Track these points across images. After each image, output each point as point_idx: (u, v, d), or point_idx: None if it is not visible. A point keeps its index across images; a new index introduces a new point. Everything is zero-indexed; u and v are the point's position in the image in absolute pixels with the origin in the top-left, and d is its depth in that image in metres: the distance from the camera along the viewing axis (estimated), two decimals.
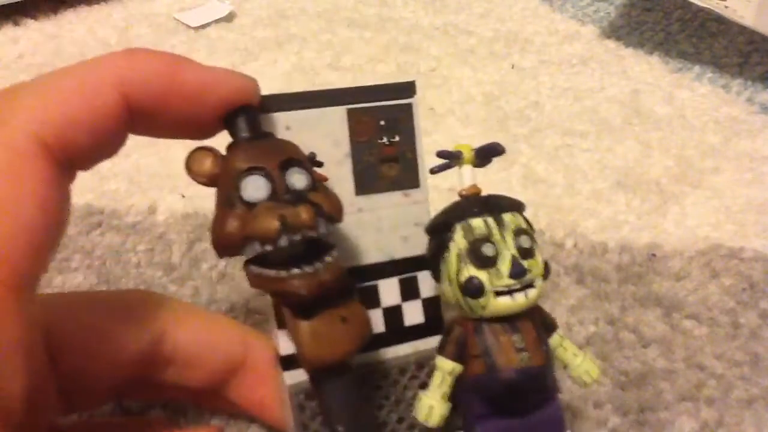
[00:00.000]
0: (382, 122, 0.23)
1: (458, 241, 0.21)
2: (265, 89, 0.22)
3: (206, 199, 0.37)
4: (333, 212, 0.20)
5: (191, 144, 0.21)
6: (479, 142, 0.24)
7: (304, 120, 0.22)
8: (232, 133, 0.21)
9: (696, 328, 0.32)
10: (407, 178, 0.24)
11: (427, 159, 0.24)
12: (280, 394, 0.23)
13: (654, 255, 0.36)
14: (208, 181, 0.20)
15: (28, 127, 0.18)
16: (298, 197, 0.19)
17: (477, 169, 0.24)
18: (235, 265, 0.34)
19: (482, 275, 0.21)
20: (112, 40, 0.54)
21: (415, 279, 0.24)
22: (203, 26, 0.56)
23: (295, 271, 0.19)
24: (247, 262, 0.20)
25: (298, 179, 0.20)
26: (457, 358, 0.21)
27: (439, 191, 0.35)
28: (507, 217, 0.22)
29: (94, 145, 0.19)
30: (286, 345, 0.22)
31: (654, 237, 0.37)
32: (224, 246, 0.20)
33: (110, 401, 0.27)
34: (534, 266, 0.21)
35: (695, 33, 0.58)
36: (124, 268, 0.34)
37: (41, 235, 0.18)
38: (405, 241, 0.24)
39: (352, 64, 0.51)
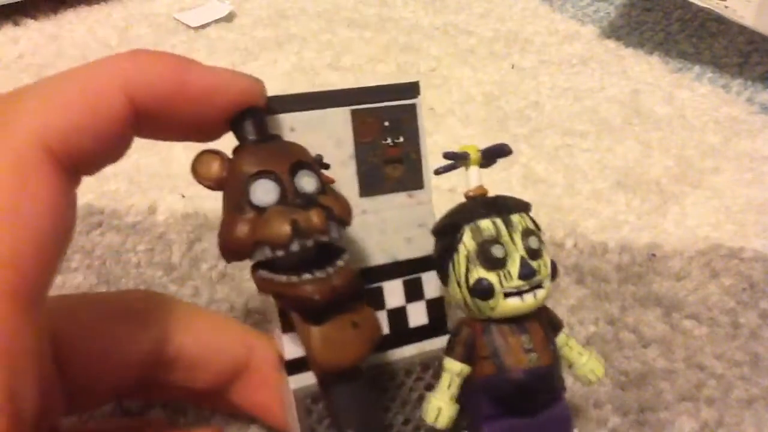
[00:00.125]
0: (386, 123, 0.23)
1: (467, 243, 0.21)
2: (266, 90, 0.22)
3: (206, 199, 0.37)
4: (344, 215, 0.20)
5: (193, 144, 0.21)
6: (479, 141, 0.24)
7: (308, 121, 0.22)
8: (239, 136, 0.20)
9: (696, 328, 0.32)
10: (411, 179, 0.24)
11: (430, 159, 0.24)
12: (283, 397, 0.23)
13: (654, 255, 0.36)
14: (215, 185, 0.20)
15: (33, 133, 0.17)
16: (309, 201, 0.19)
17: (481, 170, 0.24)
18: (235, 266, 0.34)
19: (491, 277, 0.21)
20: (112, 41, 0.54)
21: (419, 280, 0.24)
22: (203, 26, 0.56)
23: (307, 276, 0.19)
24: (256, 267, 0.20)
25: (307, 182, 0.20)
26: (465, 359, 0.21)
27: (440, 192, 0.35)
28: (515, 218, 0.22)
29: (99, 150, 0.19)
30: (291, 349, 0.21)
31: (654, 237, 0.37)
32: (233, 251, 0.19)
33: (112, 401, 0.27)
34: (542, 267, 0.22)
35: (695, 33, 0.58)
36: (124, 268, 0.34)
37: (49, 243, 0.17)
38: (409, 243, 0.24)
39: (352, 64, 0.51)
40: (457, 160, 0.23)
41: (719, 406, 0.28)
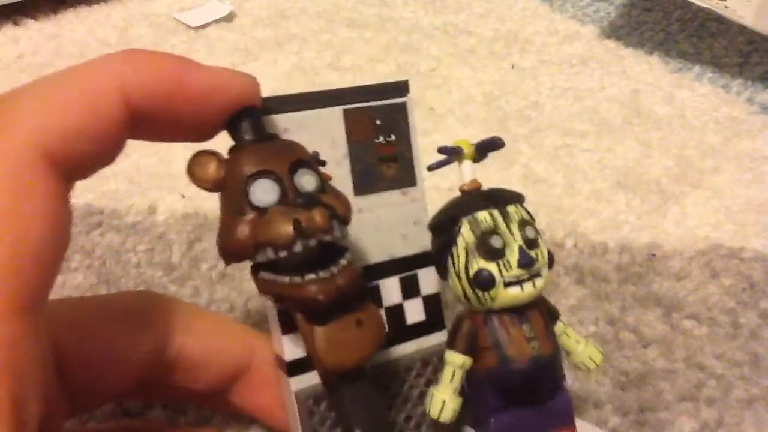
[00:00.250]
0: (378, 122, 0.23)
1: (465, 235, 0.21)
2: (265, 89, 0.22)
3: (206, 199, 0.37)
4: (345, 214, 0.20)
5: (193, 144, 0.21)
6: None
7: (301, 122, 0.22)
8: (236, 136, 0.20)
9: (696, 328, 0.32)
10: (404, 176, 0.24)
11: (425, 158, 0.24)
12: (284, 398, 0.23)
13: (654, 255, 0.36)
14: (213, 187, 0.20)
15: (32, 135, 0.17)
16: (311, 200, 0.19)
17: (476, 168, 0.24)
18: (235, 266, 0.34)
19: (492, 267, 0.21)
20: (112, 40, 0.54)
21: (415, 277, 0.24)
22: (203, 26, 0.56)
23: (311, 276, 0.19)
24: (256, 268, 0.20)
25: (307, 181, 0.19)
26: (467, 351, 0.22)
27: (440, 191, 0.35)
28: (511, 209, 0.22)
29: (95, 153, 0.19)
30: (291, 350, 0.21)
31: (654, 237, 0.37)
32: (233, 253, 0.19)
33: (113, 402, 0.27)
34: (540, 256, 0.22)
35: (695, 33, 0.58)
36: (124, 268, 0.34)
37: (49, 247, 0.17)
38: (404, 240, 0.24)
39: (352, 64, 0.51)
40: (451, 155, 0.23)
41: (719, 406, 0.28)
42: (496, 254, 0.21)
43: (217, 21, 0.56)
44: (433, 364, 0.24)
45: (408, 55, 0.53)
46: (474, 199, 0.22)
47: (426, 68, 0.52)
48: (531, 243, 0.22)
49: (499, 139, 0.23)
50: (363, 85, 0.23)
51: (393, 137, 0.24)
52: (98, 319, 0.23)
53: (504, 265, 0.21)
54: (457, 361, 0.21)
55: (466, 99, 0.49)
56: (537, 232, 0.22)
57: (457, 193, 0.23)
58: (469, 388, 0.22)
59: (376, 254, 0.24)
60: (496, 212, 0.22)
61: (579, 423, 0.23)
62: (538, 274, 0.22)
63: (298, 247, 0.18)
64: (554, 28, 0.58)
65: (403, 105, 0.24)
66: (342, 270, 0.19)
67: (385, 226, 0.24)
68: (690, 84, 0.51)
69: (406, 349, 0.24)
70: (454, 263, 0.22)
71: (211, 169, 0.19)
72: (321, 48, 0.53)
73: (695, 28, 0.58)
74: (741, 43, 0.56)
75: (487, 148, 0.23)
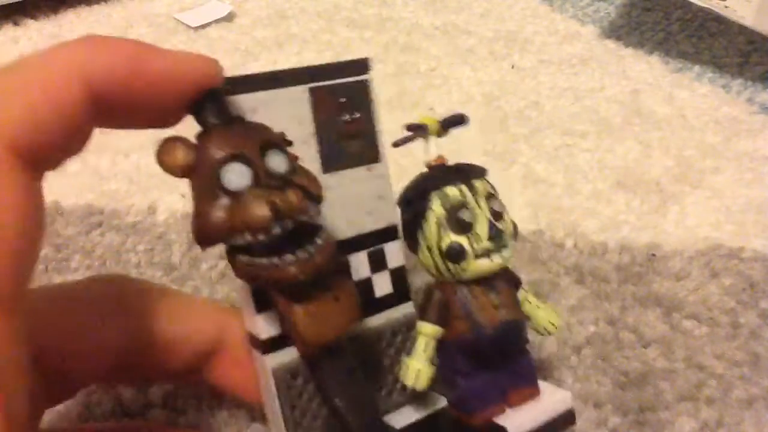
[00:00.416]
0: (343, 99, 0.24)
1: (436, 210, 0.23)
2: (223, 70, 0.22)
3: None
4: (318, 192, 0.20)
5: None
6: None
7: (267, 101, 0.22)
8: (201, 121, 0.20)
9: (696, 328, 0.32)
10: (369, 153, 0.24)
11: (390, 136, 0.25)
12: (258, 374, 0.23)
13: (654, 255, 0.36)
14: (181, 173, 0.19)
15: None
16: (284, 181, 0.19)
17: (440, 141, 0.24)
18: None
19: (462, 240, 0.22)
20: None
21: (382, 251, 0.24)
22: (203, 26, 0.56)
23: (290, 257, 0.19)
24: (233, 252, 0.20)
25: (278, 162, 0.20)
26: (439, 321, 0.23)
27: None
28: (478, 183, 0.23)
29: (61, 143, 0.18)
30: (266, 328, 0.21)
31: (654, 237, 0.37)
32: (209, 237, 0.19)
33: (87, 387, 0.27)
34: (506, 227, 0.23)
35: (695, 33, 0.58)
36: (124, 268, 0.34)
37: (24, 244, 0.17)
38: (370, 215, 0.24)
39: None
40: (417, 131, 0.24)
41: (719, 406, 0.28)
42: (466, 227, 0.22)
43: (217, 21, 0.57)
44: (402, 334, 0.24)
45: (408, 55, 0.53)
46: (442, 174, 0.23)
47: (426, 68, 0.52)
48: (497, 215, 0.23)
49: (464, 116, 0.24)
50: (326, 64, 0.23)
51: (357, 114, 0.24)
52: (68, 308, 0.22)
53: (474, 238, 0.22)
54: (429, 331, 0.22)
55: (466, 99, 0.49)
56: (501, 204, 0.23)
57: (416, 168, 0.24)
58: (438, 355, 0.23)
59: (344, 230, 0.24)
60: (464, 187, 0.23)
61: (541, 384, 0.24)
62: (505, 245, 0.23)
63: (276, 229, 0.19)
64: (554, 28, 0.58)
65: (366, 82, 0.24)
66: (319, 248, 0.20)
67: (351, 202, 0.24)
68: (690, 84, 0.51)
69: (376, 320, 0.24)
70: (425, 237, 0.23)
71: (180, 155, 0.19)
72: (321, 48, 0.53)
73: (695, 28, 0.58)
74: (741, 43, 0.56)
75: (452, 123, 0.24)
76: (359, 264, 0.24)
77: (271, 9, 0.59)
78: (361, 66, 0.24)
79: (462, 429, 0.23)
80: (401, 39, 0.55)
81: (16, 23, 0.55)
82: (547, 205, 0.39)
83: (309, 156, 0.23)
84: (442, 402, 0.24)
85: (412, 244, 0.23)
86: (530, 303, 0.24)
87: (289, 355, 0.22)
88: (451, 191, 0.23)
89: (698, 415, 0.28)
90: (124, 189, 0.39)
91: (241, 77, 0.21)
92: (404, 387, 0.22)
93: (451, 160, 0.25)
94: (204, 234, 0.19)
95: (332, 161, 0.23)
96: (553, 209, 0.39)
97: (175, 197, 0.38)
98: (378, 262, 0.24)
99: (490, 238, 0.22)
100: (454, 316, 0.23)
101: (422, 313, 0.23)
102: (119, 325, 0.23)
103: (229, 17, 0.57)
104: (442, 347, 0.23)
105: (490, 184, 0.24)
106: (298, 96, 0.23)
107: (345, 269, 0.23)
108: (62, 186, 0.39)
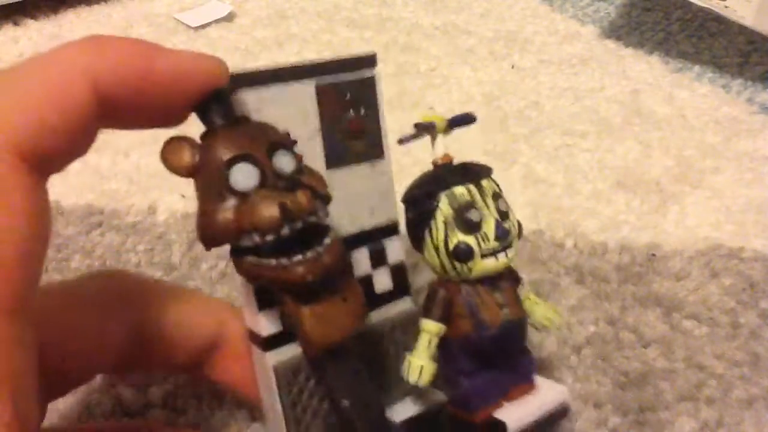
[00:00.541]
0: (348, 96, 0.23)
1: (444, 210, 0.23)
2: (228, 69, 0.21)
3: None
4: (326, 192, 0.20)
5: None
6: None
7: (273, 97, 0.22)
8: (207, 121, 0.20)
9: (696, 328, 0.32)
10: (373, 149, 0.24)
11: (390, 136, 0.25)
12: (256, 371, 0.23)
13: (654, 255, 0.36)
14: (188, 173, 0.19)
15: (3, 135, 0.17)
16: (293, 182, 0.19)
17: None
18: None
19: (470, 240, 0.22)
20: None
21: (382, 247, 0.24)
22: (203, 26, 0.56)
23: (298, 257, 0.19)
24: (239, 253, 0.20)
25: (285, 163, 0.19)
26: (442, 319, 0.23)
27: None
28: (485, 183, 0.23)
29: (67, 146, 0.18)
30: (268, 326, 0.21)
31: (654, 237, 0.37)
32: (215, 238, 0.19)
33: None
34: (512, 227, 0.23)
35: (695, 33, 0.58)
36: (124, 268, 0.34)
37: (32, 249, 0.17)
38: (372, 211, 0.24)
39: None
40: (425, 130, 0.24)
41: (719, 406, 0.28)
42: (473, 227, 0.22)
43: (217, 21, 0.57)
44: (400, 330, 0.24)
45: (408, 55, 0.53)
46: (450, 173, 0.23)
47: (426, 68, 0.52)
48: (504, 215, 0.23)
49: (471, 115, 0.25)
50: (331, 59, 0.23)
51: (362, 111, 0.24)
52: (68, 306, 0.22)
53: (481, 238, 0.22)
54: (433, 329, 0.23)
55: (466, 99, 0.49)
56: (507, 203, 0.23)
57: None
58: (440, 353, 0.23)
59: (347, 227, 0.24)
60: (472, 186, 0.23)
61: (537, 378, 0.24)
62: (510, 245, 0.23)
63: (285, 231, 0.18)
64: (554, 28, 0.58)
65: (372, 79, 0.24)
66: (327, 249, 0.20)
67: (355, 198, 0.24)
68: (690, 84, 0.51)
69: (375, 316, 0.24)
70: (432, 236, 0.23)
71: (186, 155, 0.19)
72: (321, 48, 0.53)
73: (695, 28, 0.58)
74: (741, 43, 0.56)
75: (459, 122, 0.25)
76: (360, 260, 0.24)
77: (271, 9, 0.59)
78: (367, 61, 0.24)
79: (462, 425, 0.23)
80: (401, 39, 0.55)
81: (16, 23, 0.55)
82: (547, 205, 0.39)
83: (313, 153, 0.23)
84: (440, 396, 0.24)
85: (418, 243, 0.23)
86: (530, 299, 0.24)
87: (290, 352, 0.22)
88: (460, 191, 0.23)
89: (698, 415, 0.28)
90: (124, 189, 0.39)
91: (247, 73, 0.21)
92: (405, 382, 0.22)
93: (453, 160, 0.25)
94: (210, 234, 0.19)
95: (336, 158, 0.23)
96: (553, 209, 0.39)
97: (175, 197, 0.38)
98: (378, 258, 0.24)
99: (497, 238, 0.22)
100: (457, 315, 0.23)
101: (426, 311, 0.23)
102: (119, 320, 0.22)
103: (229, 17, 0.57)
104: (443, 345, 0.23)
105: (495, 183, 0.24)
106: (304, 92, 0.23)
107: (350, 269, 0.23)
108: (62, 186, 0.39)
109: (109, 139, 0.41)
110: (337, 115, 0.23)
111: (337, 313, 0.20)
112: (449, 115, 0.24)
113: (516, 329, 0.23)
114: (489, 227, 0.22)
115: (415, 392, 0.24)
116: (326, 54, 0.52)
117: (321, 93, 0.23)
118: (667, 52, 0.55)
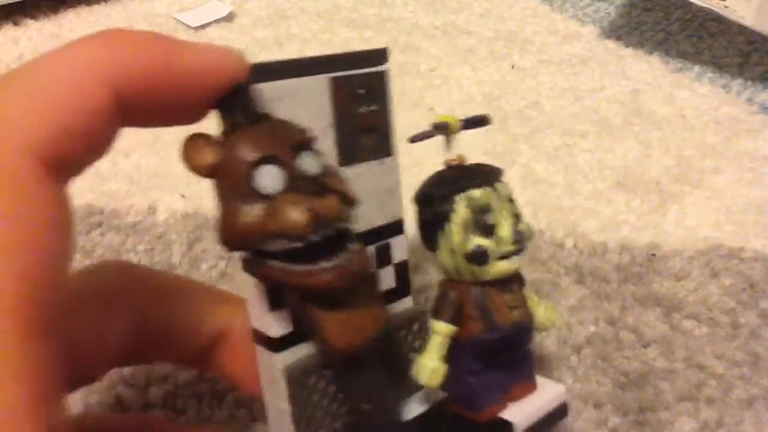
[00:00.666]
0: (360, 91, 0.23)
1: (461, 212, 0.22)
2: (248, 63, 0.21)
3: (206, 199, 0.37)
4: (353, 196, 0.19)
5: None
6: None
7: (288, 91, 0.21)
8: (228, 118, 0.19)
9: (696, 328, 0.32)
10: (382, 146, 0.24)
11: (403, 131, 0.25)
12: (260, 372, 0.22)
13: (654, 255, 0.36)
14: (209, 172, 0.19)
15: (23, 142, 0.16)
16: (320, 186, 0.18)
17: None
18: (235, 265, 0.34)
19: (486, 243, 0.22)
20: None
21: (388, 246, 0.24)
22: (203, 26, 0.56)
23: (325, 264, 0.19)
24: (261, 257, 0.19)
25: (310, 164, 0.19)
26: (453, 320, 0.23)
27: None
28: (499, 186, 0.23)
29: (89, 149, 0.18)
30: (277, 326, 0.21)
31: (654, 237, 0.37)
32: (239, 241, 0.18)
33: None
34: (526, 230, 0.23)
35: (695, 33, 0.58)
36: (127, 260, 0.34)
37: (57, 261, 0.16)
38: (380, 209, 0.24)
39: None
40: (440, 130, 0.24)
41: (719, 406, 0.28)
42: (490, 230, 0.22)
43: (217, 21, 0.57)
44: (405, 328, 0.24)
45: (408, 55, 0.53)
46: (466, 176, 0.23)
47: (426, 68, 0.52)
48: (517, 218, 0.23)
49: (487, 117, 0.25)
50: (344, 53, 0.23)
51: (373, 106, 0.23)
52: (72, 297, 0.22)
53: (497, 241, 0.22)
54: (444, 330, 0.22)
55: (466, 99, 0.49)
56: (518, 206, 0.24)
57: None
58: (449, 352, 0.23)
59: (358, 225, 0.23)
60: (489, 190, 0.23)
61: (539, 379, 0.25)
62: (523, 248, 0.23)
63: (314, 237, 0.18)
64: (554, 28, 0.58)
65: (384, 74, 0.24)
66: (354, 254, 0.19)
67: (365, 196, 0.23)
68: (690, 84, 0.51)
69: None
70: (447, 238, 0.23)
71: (209, 154, 0.18)
72: (321, 48, 0.53)
73: (695, 28, 0.58)
74: (741, 43, 0.56)
75: (474, 124, 0.25)
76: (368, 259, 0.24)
77: (271, 9, 0.59)
78: (379, 56, 0.23)
79: (466, 425, 0.23)
80: (401, 39, 0.55)
81: (16, 23, 0.55)
82: (547, 205, 0.39)
83: (326, 148, 0.22)
84: (439, 394, 0.24)
85: (431, 244, 0.23)
86: (532, 300, 0.25)
87: (299, 353, 0.21)
88: (477, 194, 0.23)
89: (698, 415, 0.28)
90: (124, 189, 0.39)
91: (262, 65, 0.20)
92: (414, 383, 0.22)
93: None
94: (233, 237, 0.18)
95: (349, 154, 0.23)
96: (553, 209, 0.39)
97: (175, 197, 0.38)
98: (384, 257, 0.24)
99: (515, 242, 0.22)
100: (468, 316, 0.23)
101: (436, 312, 0.23)
102: (122, 317, 0.22)
103: (229, 17, 0.57)
104: (455, 345, 0.23)
105: (507, 185, 0.24)
106: (319, 86, 0.22)
107: (374, 275, 0.23)
108: None
109: None
110: (349, 110, 0.23)
111: (359, 318, 0.20)
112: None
113: (525, 330, 0.24)
114: (505, 230, 0.22)
115: (417, 392, 0.24)
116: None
117: (335, 87, 0.22)
118: (667, 52, 0.55)
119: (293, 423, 0.21)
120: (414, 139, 0.24)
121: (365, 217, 0.24)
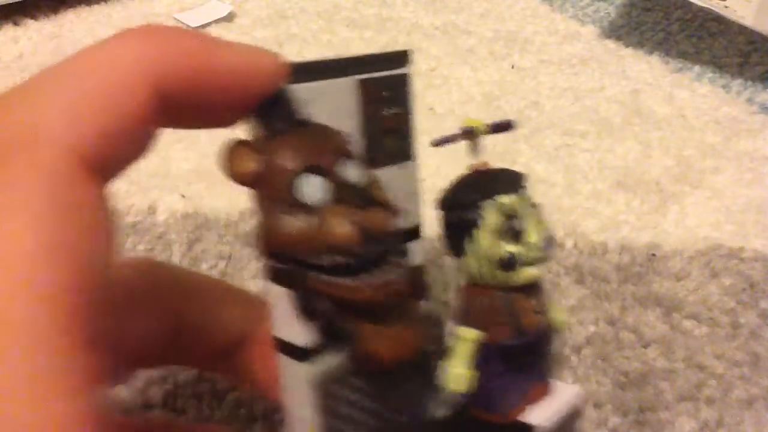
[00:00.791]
0: (385, 93, 0.22)
1: (489, 218, 0.22)
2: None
3: (206, 199, 0.37)
4: (397, 208, 0.19)
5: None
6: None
7: (320, 93, 0.20)
8: (267, 123, 0.18)
9: (696, 328, 0.32)
10: (404, 150, 0.23)
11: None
12: (282, 383, 0.22)
13: (654, 255, 0.36)
14: (251, 181, 0.18)
15: (65, 143, 0.15)
16: (364, 197, 0.18)
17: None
18: (235, 265, 0.34)
19: (515, 249, 0.22)
20: None
21: (406, 251, 0.24)
22: (203, 26, 0.56)
23: (368, 278, 0.18)
24: (301, 268, 0.18)
25: (353, 172, 0.18)
26: (481, 326, 0.22)
27: None
28: (525, 192, 0.23)
29: (129, 151, 0.17)
30: (305, 335, 0.20)
31: (654, 237, 0.37)
32: (281, 253, 0.18)
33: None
34: (552, 236, 0.23)
35: (695, 33, 0.58)
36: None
37: (101, 265, 0.16)
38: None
39: None
40: (466, 135, 0.24)
41: (719, 406, 0.28)
42: (518, 237, 0.22)
43: (217, 21, 0.57)
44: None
45: None
46: (494, 182, 0.23)
47: (426, 68, 0.52)
48: (543, 224, 0.23)
49: (512, 122, 0.25)
50: (367, 54, 0.22)
51: (397, 109, 0.23)
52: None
53: (526, 247, 0.22)
54: (471, 336, 0.22)
55: (466, 99, 0.49)
56: (542, 212, 0.24)
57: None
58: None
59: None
60: (515, 196, 0.23)
61: (553, 381, 0.24)
62: (548, 254, 0.23)
63: (362, 252, 0.17)
64: (554, 28, 0.58)
65: (408, 76, 0.23)
66: (402, 270, 0.19)
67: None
68: (690, 84, 0.51)
69: None
70: (476, 245, 0.22)
71: (251, 162, 0.18)
72: (321, 48, 0.53)
73: (695, 28, 0.58)
74: (741, 43, 0.56)
75: (500, 129, 0.24)
76: None
77: (271, 9, 0.59)
78: (401, 58, 0.23)
79: (487, 428, 0.23)
80: (401, 39, 0.55)
81: (16, 23, 0.55)
82: (547, 205, 0.39)
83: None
84: (460, 398, 0.24)
85: (456, 249, 0.23)
86: (550, 303, 0.24)
87: (327, 362, 0.21)
88: (506, 200, 0.22)
89: (698, 415, 0.28)
90: (124, 189, 0.39)
91: (294, 65, 0.20)
92: (442, 390, 0.22)
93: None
94: (275, 248, 0.18)
95: (374, 157, 0.22)
96: (553, 209, 0.39)
97: (175, 197, 0.38)
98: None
99: (544, 248, 0.22)
100: (495, 322, 0.23)
101: (464, 319, 0.23)
102: (148, 319, 0.22)
103: (229, 17, 0.57)
104: (481, 350, 0.23)
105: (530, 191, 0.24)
106: (347, 88, 0.21)
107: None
108: None
109: None
110: (375, 113, 0.22)
111: (399, 332, 0.19)
112: (496, 121, 0.24)
113: (549, 334, 0.24)
114: (534, 237, 0.22)
115: (437, 395, 0.24)
116: (326, 54, 0.52)
117: (363, 89, 0.22)
118: (667, 52, 0.55)
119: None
120: (437, 143, 0.24)
121: None
